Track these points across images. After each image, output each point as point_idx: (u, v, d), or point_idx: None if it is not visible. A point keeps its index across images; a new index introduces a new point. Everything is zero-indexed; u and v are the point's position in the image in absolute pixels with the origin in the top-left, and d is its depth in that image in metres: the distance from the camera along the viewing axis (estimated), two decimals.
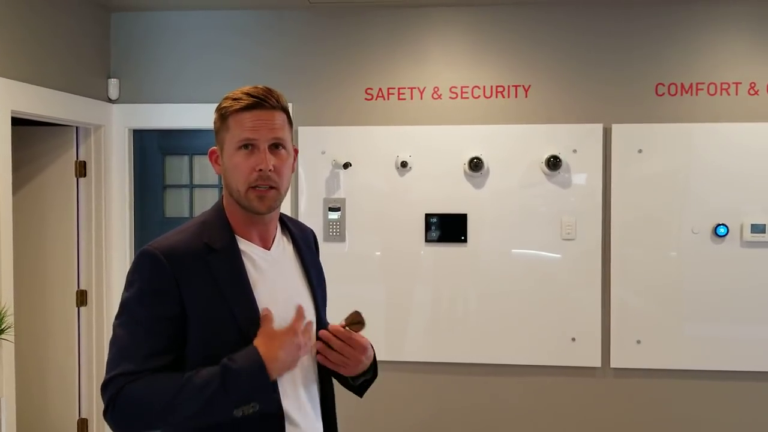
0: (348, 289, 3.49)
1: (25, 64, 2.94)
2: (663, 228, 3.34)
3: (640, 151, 3.34)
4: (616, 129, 3.36)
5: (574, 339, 3.38)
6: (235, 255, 1.48)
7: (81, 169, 3.53)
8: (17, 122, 3.19)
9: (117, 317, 1.44)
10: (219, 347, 1.40)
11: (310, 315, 1.59)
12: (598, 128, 3.37)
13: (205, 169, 3.70)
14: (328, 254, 3.50)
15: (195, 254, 1.43)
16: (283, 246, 1.60)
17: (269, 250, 1.55)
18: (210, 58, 3.58)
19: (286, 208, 3.53)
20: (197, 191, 3.72)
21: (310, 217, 3.50)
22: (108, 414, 1.38)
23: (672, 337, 3.34)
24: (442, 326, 3.46)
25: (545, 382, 3.44)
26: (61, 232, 3.52)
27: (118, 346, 1.41)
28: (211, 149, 1.53)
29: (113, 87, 3.62)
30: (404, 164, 3.43)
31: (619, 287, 3.36)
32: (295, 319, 1.49)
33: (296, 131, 3.52)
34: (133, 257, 3.56)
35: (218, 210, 1.52)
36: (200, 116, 3.56)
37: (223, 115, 1.48)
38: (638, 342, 3.35)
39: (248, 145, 1.45)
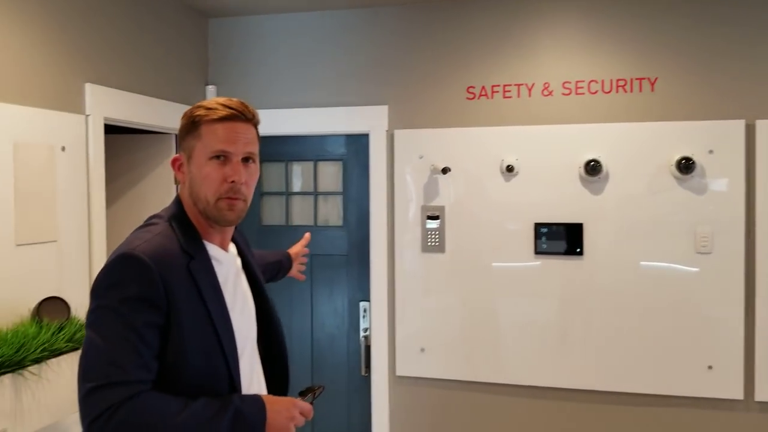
0: (448, 304, 3.24)
1: (121, 71, 2.90)
2: None
3: None
4: (761, 126, 2.88)
5: (710, 367, 2.94)
6: (209, 263, 1.48)
7: None
8: (116, 130, 3.18)
9: (95, 320, 1.36)
10: (199, 361, 1.41)
11: (253, 314, 1.64)
12: (740, 125, 2.90)
13: (304, 177, 3.57)
14: (426, 266, 3.28)
15: (178, 261, 1.41)
16: (233, 248, 1.63)
17: (227, 252, 1.57)
18: (304, 62, 3.44)
19: (382, 217, 3.32)
20: (294, 198, 3.59)
21: (408, 226, 3.27)
22: (100, 423, 1.29)
23: None
24: (554, 347, 3.12)
25: (675, 414, 3.02)
26: None
27: (104, 351, 1.32)
28: (174, 156, 1.53)
29: (211, 94, 3.57)
30: (510, 168, 3.13)
31: (765, 308, 2.88)
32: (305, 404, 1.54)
33: (392, 135, 3.30)
34: None
35: (181, 213, 1.50)
36: (296, 122, 3.44)
37: (194, 123, 1.48)
38: None
39: (221, 156, 1.47)
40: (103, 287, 1.36)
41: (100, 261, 2.69)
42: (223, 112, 1.47)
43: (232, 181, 1.46)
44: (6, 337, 1.93)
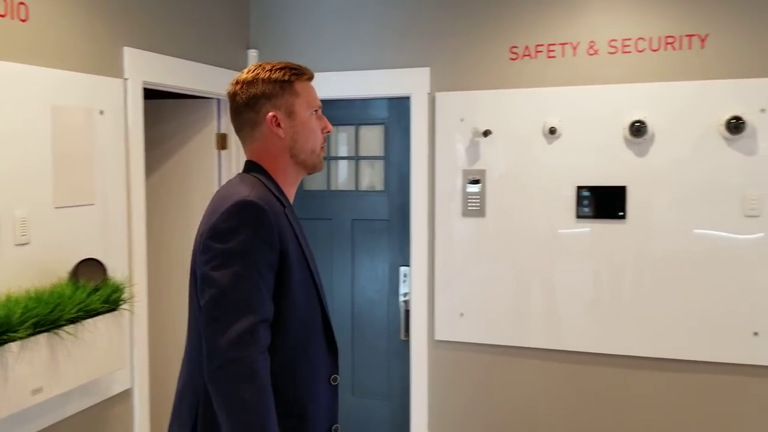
0: (489, 269, 3.20)
1: (161, 35, 2.91)
2: None
3: None
4: None
5: (756, 333, 2.83)
6: (294, 212, 1.64)
7: (222, 141, 3.51)
8: (158, 96, 3.21)
9: (220, 264, 1.44)
10: (303, 298, 1.55)
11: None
12: None
13: (347, 142, 3.55)
14: (466, 230, 3.23)
15: (279, 208, 1.56)
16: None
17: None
18: (345, 26, 3.40)
19: (423, 182, 3.28)
20: (335, 163, 3.59)
21: (448, 190, 3.22)
22: (236, 365, 1.39)
23: None
24: (598, 313, 3.05)
25: (719, 381, 2.93)
26: (204, 205, 3.53)
27: (231, 292, 1.42)
28: (271, 114, 1.62)
29: (252, 59, 3.55)
30: (553, 131, 3.03)
31: None
32: None
33: (433, 98, 3.24)
34: None
35: (263, 171, 1.63)
36: (338, 85, 3.41)
37: (288, 82, 1.64)
38: None
39: (316, 111, 1.68)
40: (224, 232, 1.46)
41: (139, 224, 2.75)
42: (309, 73, 1.68)
43: (327, 132, 1.70)
44: (42, 297, 2.00)
